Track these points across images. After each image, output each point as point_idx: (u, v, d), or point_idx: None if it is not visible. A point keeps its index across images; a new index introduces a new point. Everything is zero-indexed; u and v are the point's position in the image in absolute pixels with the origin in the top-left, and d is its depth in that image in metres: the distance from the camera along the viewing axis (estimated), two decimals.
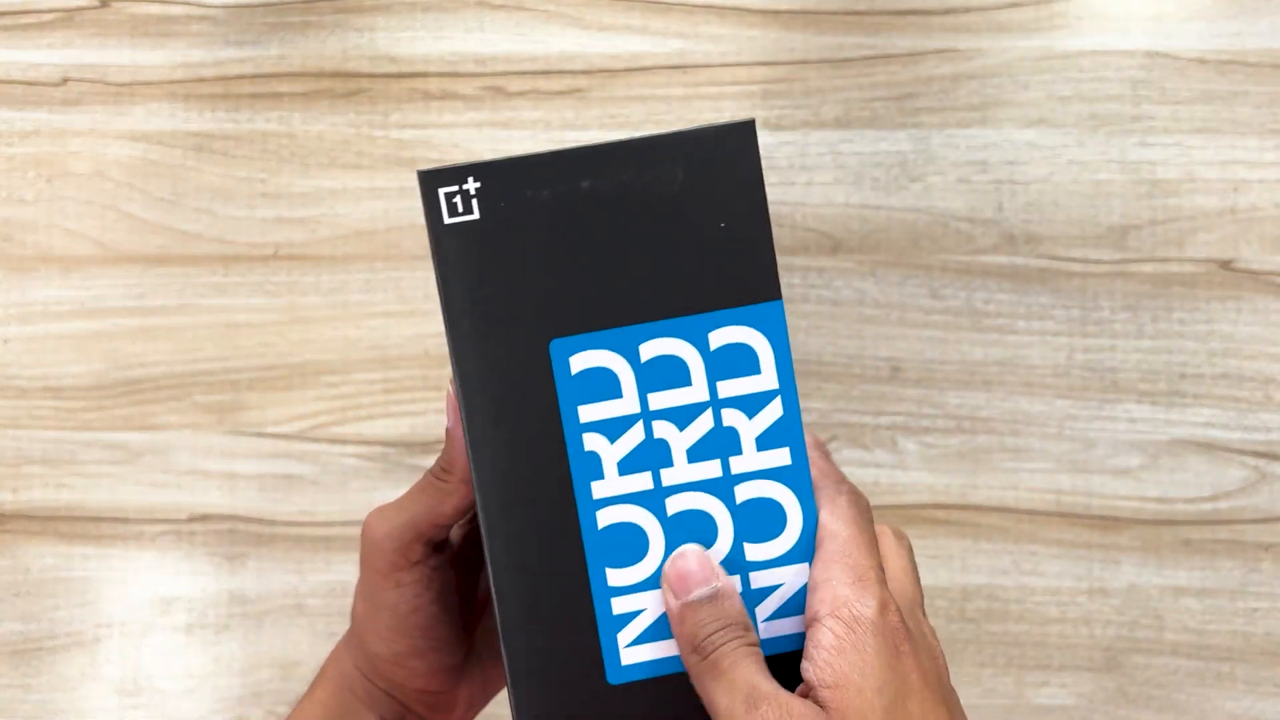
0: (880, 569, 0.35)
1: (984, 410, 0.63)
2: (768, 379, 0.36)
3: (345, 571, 0.64)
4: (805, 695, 0.33)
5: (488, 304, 0.35)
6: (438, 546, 0.41)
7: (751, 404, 0.36)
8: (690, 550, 0.35)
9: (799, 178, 0.64)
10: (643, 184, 0.35)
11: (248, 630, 0.63)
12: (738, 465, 0.36)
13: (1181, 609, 0.62)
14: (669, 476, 0.36)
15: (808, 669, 0.33)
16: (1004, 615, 0.62)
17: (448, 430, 0.38)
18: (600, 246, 0.35)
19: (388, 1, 0.66)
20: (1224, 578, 0.62)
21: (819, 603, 0.34)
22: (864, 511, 0.37)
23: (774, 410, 0.36)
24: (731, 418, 0.36)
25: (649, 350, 0.36)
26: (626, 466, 0.36)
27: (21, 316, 0.65)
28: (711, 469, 0.36)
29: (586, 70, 0.65)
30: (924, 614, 0.36)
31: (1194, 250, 0.63)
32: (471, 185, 0.35)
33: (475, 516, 0.41)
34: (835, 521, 0.36)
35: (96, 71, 0.66)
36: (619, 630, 0.36)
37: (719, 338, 0.36)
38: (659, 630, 0.36)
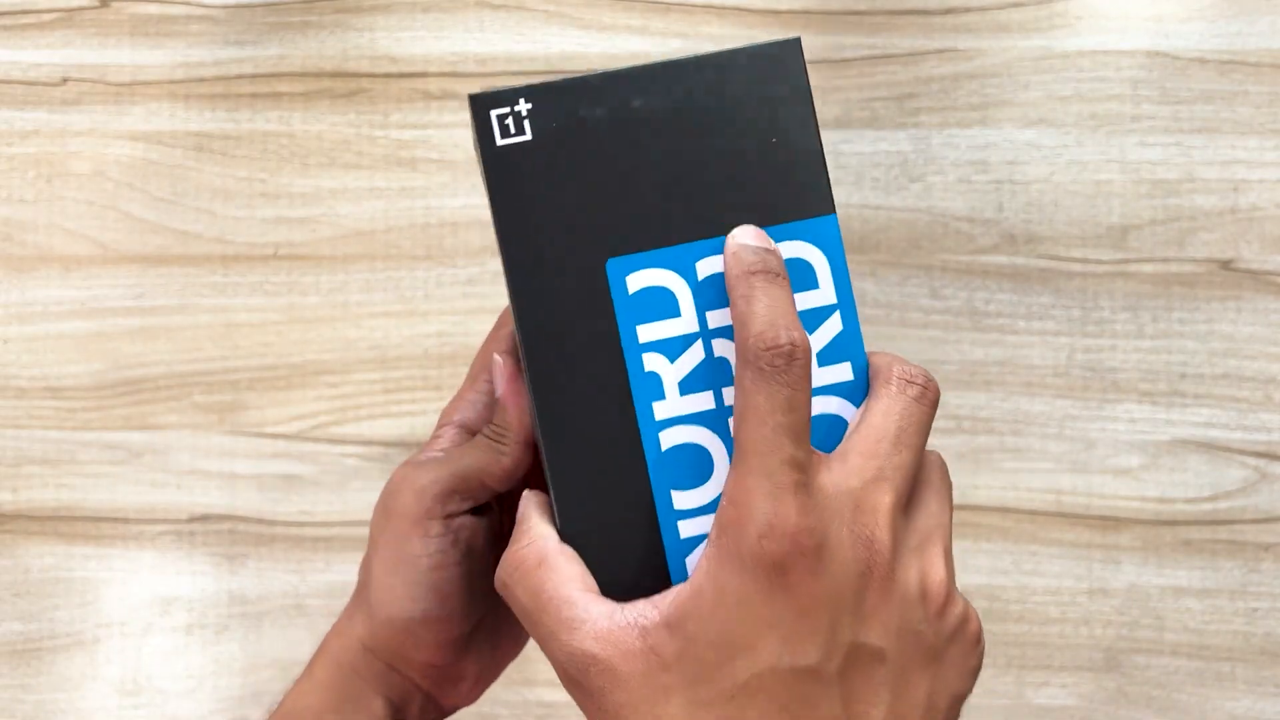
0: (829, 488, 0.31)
1: (984, 410, 0.63)
2: (826, 294, 0.36)
3: (345, 571, 0.64)
4: None
5: (542, 226, 0.35)
6: (475, 510, 0.41)
7: (811, 319, 0.35)
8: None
9: None
10: (694, 102, 0.35)
11: (248, 630, 0.63)
12: None
13: (1182, 609, 0.62)
14: (731, 396, 0.35)
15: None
16: (1004, 615, 0.62)
17: (500, 398, 0.38)
18: (653, 165, 0.35)
19: (388, 1, 0.66)
20: (1224, 578, 0.62)
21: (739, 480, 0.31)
22: (901, 417, 0.33)
23: (834, 325, 0.36)
24: None
25: (706, 268, 0.35)
26: (688, 386, 0.35)
27: (21, 316, 0.65)
28: None
29: (587, 70, 0.65)
30: (917, 560, 0.32)
31: (1194, 250, 0.63)
32: (523, 106, 0.35)
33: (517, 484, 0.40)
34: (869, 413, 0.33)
35: (96, 71, 0.66)
36: (687, 555, 0.35)
37: None
38: None
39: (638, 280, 0.35)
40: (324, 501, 0.64)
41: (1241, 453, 0.62)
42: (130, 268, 0.65)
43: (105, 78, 0.66)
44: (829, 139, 0.64)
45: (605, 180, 0.35)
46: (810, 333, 0.35)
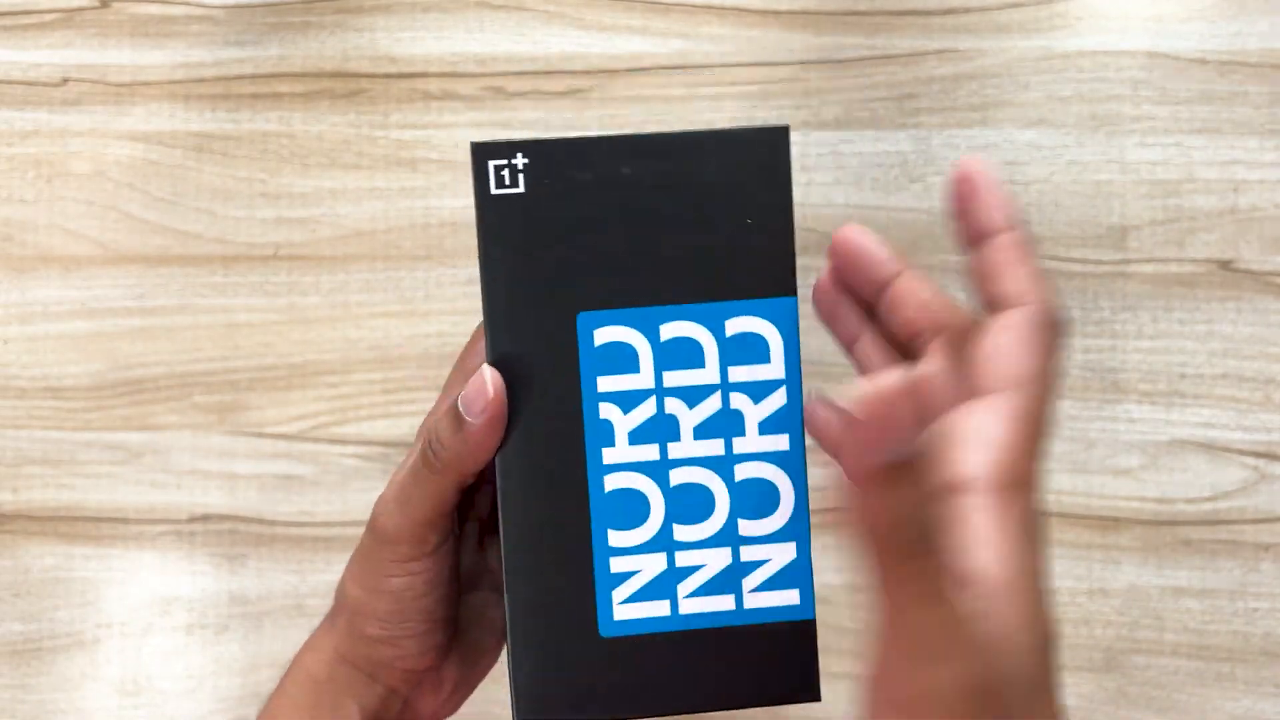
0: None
1: None
2: (776, 368, 0.38)
3: None
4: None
5: (524, 273, 0.38)
6: (448, 534, 0.41)
7: (758, 390, 0.38)
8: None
9: (799, 178, 0.64)
10: (679, 175, 0.38)
11: (248, 630, 0.64)
12: (740, 446, 0.38)
13: (1181, 609, 0.62)
14: (675, 450, 0.38)
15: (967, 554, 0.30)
16: None
17: (458, 417, 0.38)
18: (633, 229, 0.38)
19: (388, 2, 0.66)
20: (1224, 578, 0.62)
21: (972, 463, 0.31)
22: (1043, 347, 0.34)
23: (778, 398, 0.38)
24: (738, 401, 0.38)
25: (668, 331, 0.38)
26: (637, 437, 0.38)
27: (21, 317, 0.65)
28: (715, 447, 0.38)
29: (586, 70, 0.65)
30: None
31: (1194, 250, 0.63)
32: (520, 160, 0.37)
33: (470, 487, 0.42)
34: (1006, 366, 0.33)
35: (97, 72, 0.66)
36: (614, 587, 0.38)
37: (734, 325, 0.38)
38: (651, 591, 0.38)
39: (604, 335, 0.38)
40: (324, 502, 0.64)
41: (1241, 453, 0.63)
42: (130, 268, 0.65)
43: (105, 78, 0.66)
44: (829, 139, 0.64)
45: (587, 238, 0.38)
46: (755, 403, 0.38)
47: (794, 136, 0.64)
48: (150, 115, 0.66)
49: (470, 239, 0.65)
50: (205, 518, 0.64)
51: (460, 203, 0.65)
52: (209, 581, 0.64)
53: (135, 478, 0.64)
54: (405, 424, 0.64)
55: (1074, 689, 0.62)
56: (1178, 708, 0.61)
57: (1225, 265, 0.63)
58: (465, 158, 0.67)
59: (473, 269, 0.65)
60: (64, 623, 0.64)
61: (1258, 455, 0.62)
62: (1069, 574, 0.62)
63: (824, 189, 0.64)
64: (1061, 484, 0.63)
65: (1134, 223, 0.64)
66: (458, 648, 0.43)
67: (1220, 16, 0.64)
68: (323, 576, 0.64)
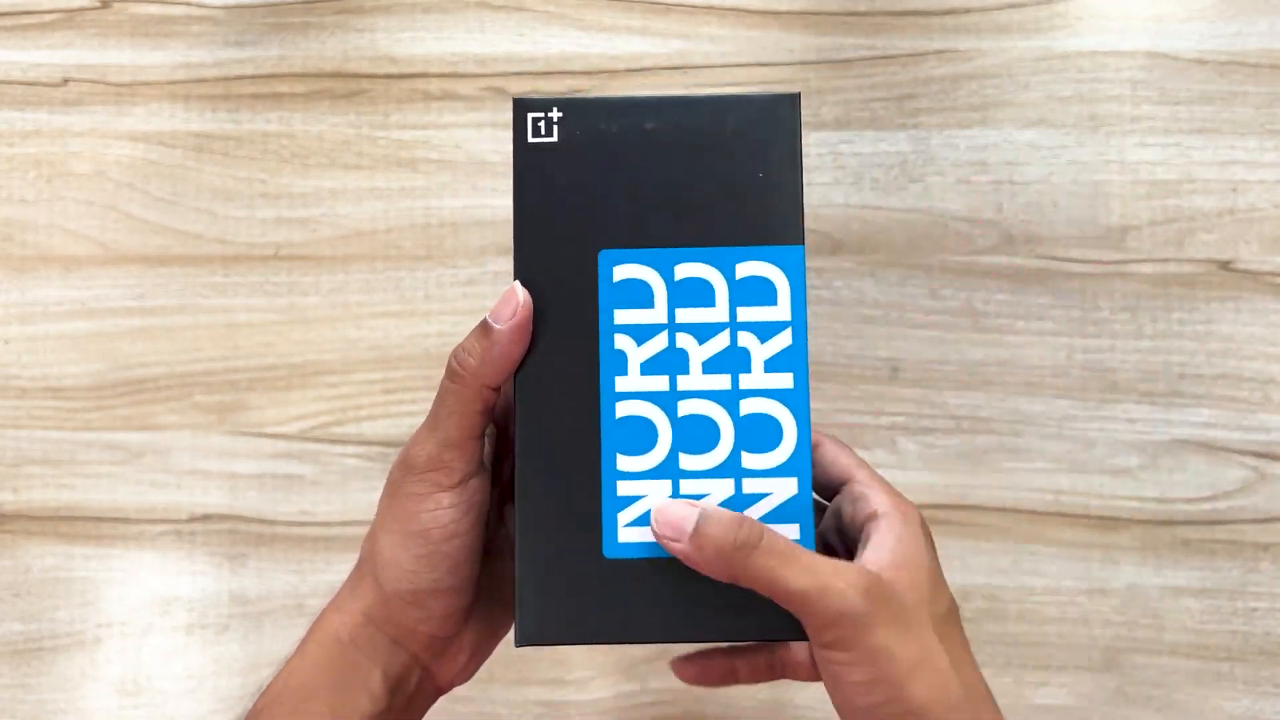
0: None
1: (983, 410, 0.63)
2: (782, 311, 0.41)
3: (345, 571, 0.64)
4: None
5: (552, 213, 0.41)
6: (478, 468, 0.41)
7: (765, 330, 0.41)
8: (661, 504, 0.39)
9: None
10: (697, 131, 0.41)
11: (248, 630, 0.64)
12: (746, 382, 0.41)
13: (1180, 609, 0.62)
14: (684, 383, 0.41)
15: (875, 552, 0.39)
16: (1003, 615, 0.62)
17: (486, 325, 0.40)
18: (653, 178, 0.41)
19: (388, 2, 0.66)
20: (1223, 578, 0.62)
21: (877, 503, 0.41)
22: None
23: (784, 339, 0.41)
24: (746, 339, 0.41)
25: (682, 271, 0.41)
26: (648, 368, 0.41)
27: (22, 317, 0.66)
28: (722, 381, 0.41)
29: (586, 71, 0.65)
30: None
31: (1193, 250, 0.63)
32: (555, 114, 0.41)
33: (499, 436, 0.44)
34: (860, 469, 0.43)
35: (97, 72, 0.66)
36: (620, 510, 0.40)
37: (744, 269, 0.41)
38: None
39: (622, 271, 0.41)
40: (324, 501, 0.64)
41: (1240, 453, 0.63)
42: (131, 268, 0.65)
43: (106, 78, 0.66)
44: (829, 139, 0.64)
45: (611, 184, 0.41)
46: (762, 342, 0.41)
47: None
48: (151, 115, 0.66)
49: (470, 239, 0.66)
50: (205, 517, 0.64)
51: (460, 203, 0.65)
52: (209, 581, 0.64)
53: (135, 478, 0.64)
54: (405, 424, 0.64)
55: (1073, 688, 0.62)
56: (1176, 707, 0.62)
57: (1224, 265, 0.63)
58: (465, 158, 0.67)
59: (473, 269, 0.66)
60: (64, 622, 0.64)
61: (1257, 455, 0.63)
62: (1068, 574, 0.62)
63: (824, 189, 0.64)
64: (1060, 484, 0.63)
65: (1133, 223, 0.64)
66: (476, 617, 0.43)
67: (1220, 17, 0.64)
68: (323, 576, 0.64)
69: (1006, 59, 0.64)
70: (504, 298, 0.40)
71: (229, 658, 0.63)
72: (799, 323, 0.41)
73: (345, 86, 0.66)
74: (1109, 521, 0.63)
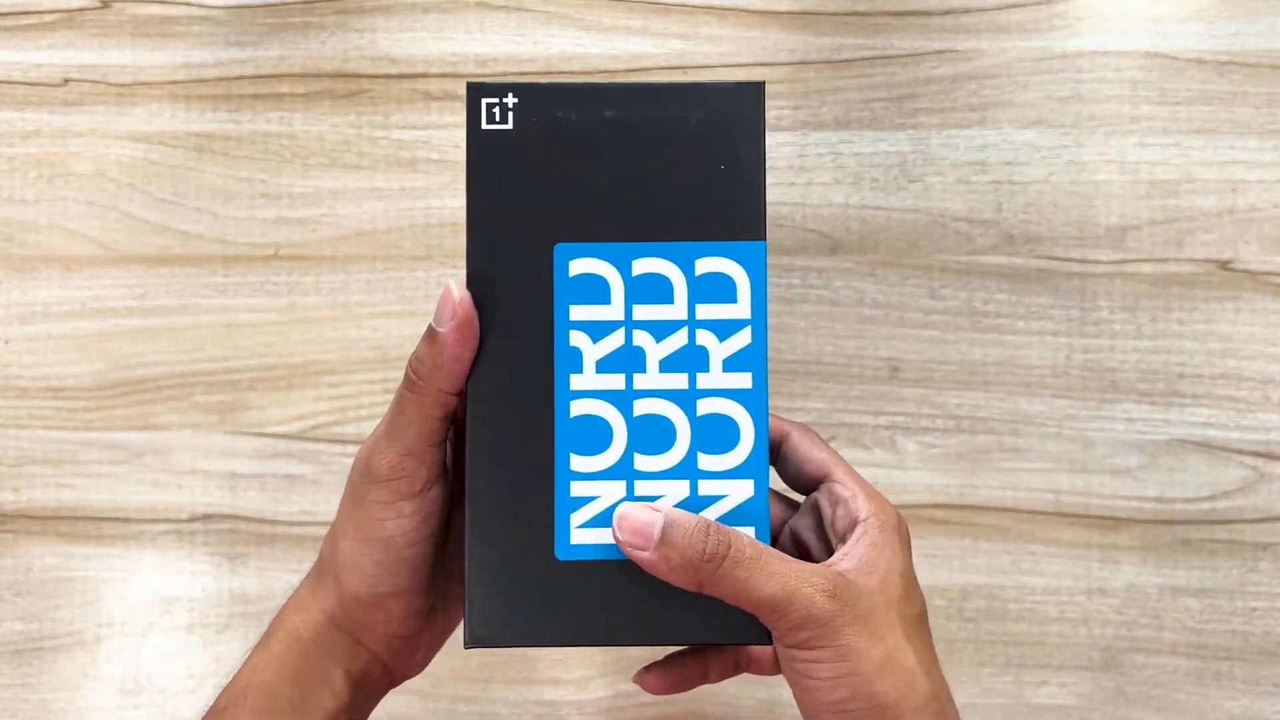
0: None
1: (983, 410, 0.63)
2: (742, 309, 0.40)
3: None
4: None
5: (506, 205, 0.39)
6: (439, 475, 0.41)
7: (724, 329, 0.40)
8: (624, 508, 0.39)
9: (798, 178, 0.64)
10: (658, 121, 0.39)
11: (248, 630, 0.64)
12: (703, 381, 0.40)
13: (1180, 608, 0.62)
14: (640, 381, 0.40)
15: (850, 555, 0.40)
16: (1003, 615, 0.62)
17: (431, 331, 0.39)
18: (612, 169, 0.39)
19: (388, 2, 0.66)
20: (1222, 577, 0.62)
21: (856, 507, 0.41)
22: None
23: (743, 337, 0.40)
24: (704, 338, 0.40)
25: (640, 266, 0.40)
26: (604, 366, 0.40)
27: (22, 317, 0.66)
28: (679, 380, 0.40)
29: (586, 71, 0.65)
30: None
31: (1193, 250, 0.63)
32: (510, 100, 0.39)
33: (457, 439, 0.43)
34: (843, 471, 0.43)
35: (98, 72, 0.66)
36: (573, 511, 0.39)
37: (704, 265, 0.40)
38: (609, 517, 0.39)
39: (578, 266, 0.39)
40: (325, 501, 0.64)
41: (1240, 452, 0.63)
42: (131, 268, 0.65)
43: (106, 78, 0.66)
44: (828, 139, 0.64)
45: (568, 175, 0.39)
46: (720, 340, 0.40)
47: (793, 137, 0.65)
48: (151, 116, 0.66)
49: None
50: (206, 517, 0.64)
51: (460, 203, 0.65)
52: (210, 581, 0.64)
53: (136, 477, 0.65)
54: None
55: (1073, 688, 0.62)
56: (1176, 707, 0.62)
57: (1224, 265, 0.63)
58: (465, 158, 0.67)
59: None
60: (65, 622, 0.64)
61: (1256, 455, 0.63)
62: (1067, 573, 0.62)
63: (823, 189, 0.64)
64: (1060, 484, 0.63)
65: (1133, 223, 0.64)
66: (435, 614, 0.44)
67: (1219, 17, 0.64)
68: None
69: (1006, 59, 0.64)
70: (441, 299, 0.39)
71: (229, 657, 0.64)
72: (759, 321, 0.40)
73: (345, 87, 0.66)
74: (1109, 521, 0.63)
